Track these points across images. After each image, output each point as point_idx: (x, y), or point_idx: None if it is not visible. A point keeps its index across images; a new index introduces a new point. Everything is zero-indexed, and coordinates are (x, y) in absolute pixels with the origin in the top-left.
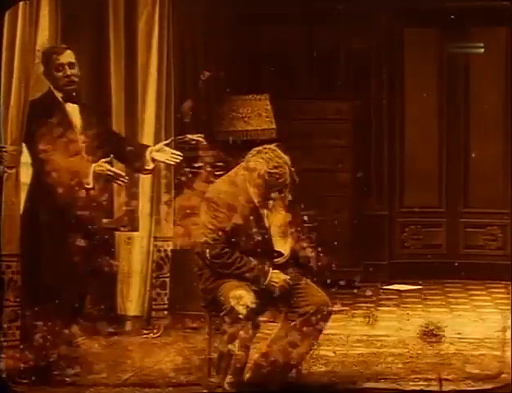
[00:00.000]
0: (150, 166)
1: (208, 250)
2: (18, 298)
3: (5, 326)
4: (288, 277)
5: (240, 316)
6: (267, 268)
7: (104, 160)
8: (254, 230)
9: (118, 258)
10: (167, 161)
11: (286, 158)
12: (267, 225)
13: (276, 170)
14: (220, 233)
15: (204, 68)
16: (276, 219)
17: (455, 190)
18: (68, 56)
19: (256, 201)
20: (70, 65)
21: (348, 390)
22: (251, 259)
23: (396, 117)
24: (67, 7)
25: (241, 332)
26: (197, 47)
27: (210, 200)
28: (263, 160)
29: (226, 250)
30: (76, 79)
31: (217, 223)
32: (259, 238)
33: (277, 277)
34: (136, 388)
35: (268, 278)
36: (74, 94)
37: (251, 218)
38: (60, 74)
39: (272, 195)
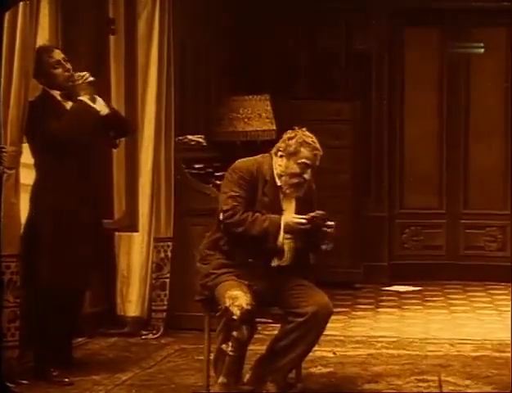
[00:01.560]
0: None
1: (222, 213)
2: (17, 299)
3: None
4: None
5: (234, 317)
6: (279, 220)
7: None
8: (270, 208)
9: (118, 259)
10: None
11: None
12: (283, 208)
13: (316, 145)
14: (240, 200)
15: (205, 68)
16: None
17: (455, 191)
18: (59, 53)
19: (278, 180)
20: (65, 60)
21: (348, 391)
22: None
23: (396, 118)
24: (67, 7)
25: (235, 333)
26: (197, 47)
27: (236, 169)
28: (305, 134)
29: (240, 209)
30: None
31: (238, 190)
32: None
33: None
34: (135, 389)
35: (281, 233)
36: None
37: (270, 196)
38: (59, 70)
39: (299, 170)
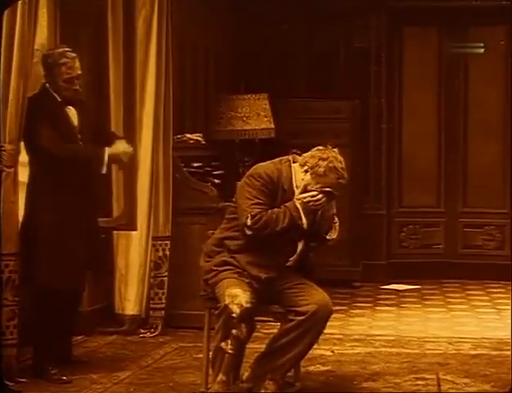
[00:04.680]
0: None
1: (249, 220)
2: (16, 297)
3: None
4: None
5: (234, 315)
6: (294, 203)
7: None
8: None
9: (116, 257)
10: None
11: None
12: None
13: (343, 172)
14: (264, 207)
15: (203, 67)
16: None
17: (454, 190)
18: (78, 69)
19: (296, 190)
20: (79, 77)
21: (346, 389)
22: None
23: (394, 116)
24: (66, 6)
25: (234, 331)
26: (196, 46)
27: (258, 175)
28: (337, 158)
29: (262, 211)
30: (80, 90)
31: (262, 197)
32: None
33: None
34: (133, 387)
35: (302, 215)
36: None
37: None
38: (68, 85)
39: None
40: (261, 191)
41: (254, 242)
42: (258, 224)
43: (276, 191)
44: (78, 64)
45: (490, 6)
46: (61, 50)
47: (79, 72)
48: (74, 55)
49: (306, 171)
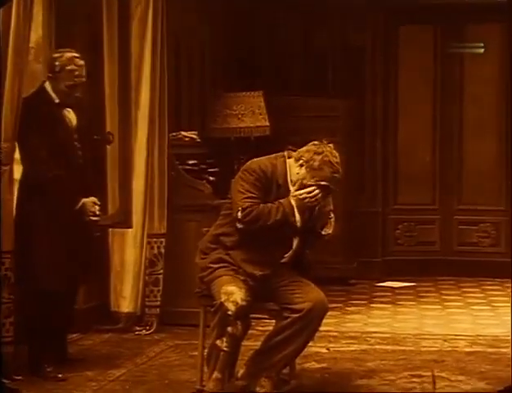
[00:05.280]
0: None
1: (239, 213)
2: (12, 294)
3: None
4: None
5: (229, 312)
6: (289, 199)
7: None
8: None
9: (111, 255)
10: None
11: None
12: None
13: (338, 167)
14: (256, 201)
15: (199, 65)
16: None
17: (449, 187)
18: (83, 77)
19: (291, 186)
20: (82, 84)
21: (341, 387)
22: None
23: (390, 114)
24: (61, 4)
25: (229, 329)
26: (192, 44)
27: (251, 170)
28: (332, 153)
29: (253, 205)
30: (81, 96)
31: (255, 192)
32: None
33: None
34: (129, 385)
35: (296, 212)
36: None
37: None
38: (70, 91)
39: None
40: (254, 186)
41: (249, 238)
42: (249, 217)
43: (270, 186)
44: (84, 72)
45: (486, 3)
46: (70, 55)
47: (84, 80)
48: (82, 63)
49: (301, 165)
